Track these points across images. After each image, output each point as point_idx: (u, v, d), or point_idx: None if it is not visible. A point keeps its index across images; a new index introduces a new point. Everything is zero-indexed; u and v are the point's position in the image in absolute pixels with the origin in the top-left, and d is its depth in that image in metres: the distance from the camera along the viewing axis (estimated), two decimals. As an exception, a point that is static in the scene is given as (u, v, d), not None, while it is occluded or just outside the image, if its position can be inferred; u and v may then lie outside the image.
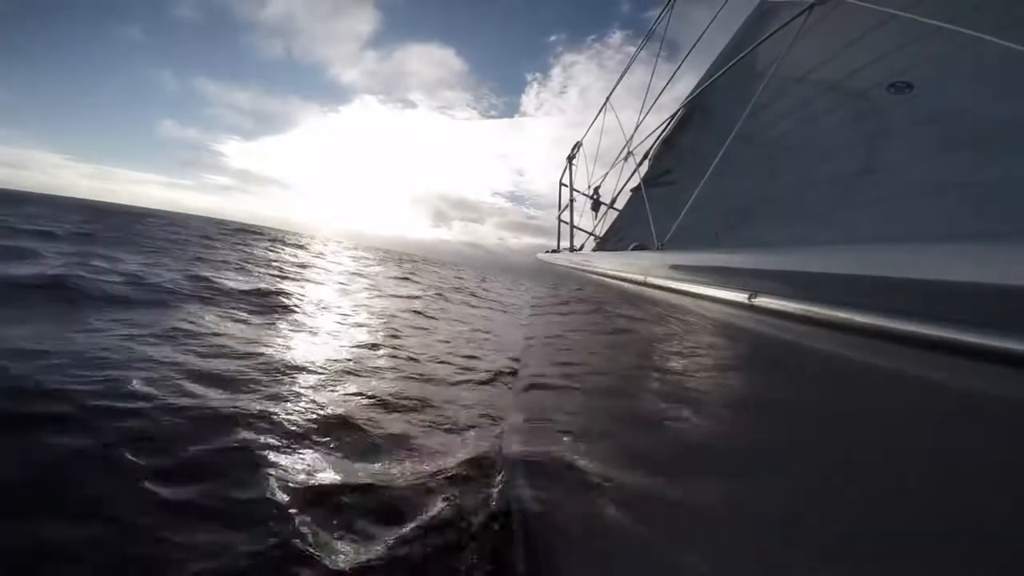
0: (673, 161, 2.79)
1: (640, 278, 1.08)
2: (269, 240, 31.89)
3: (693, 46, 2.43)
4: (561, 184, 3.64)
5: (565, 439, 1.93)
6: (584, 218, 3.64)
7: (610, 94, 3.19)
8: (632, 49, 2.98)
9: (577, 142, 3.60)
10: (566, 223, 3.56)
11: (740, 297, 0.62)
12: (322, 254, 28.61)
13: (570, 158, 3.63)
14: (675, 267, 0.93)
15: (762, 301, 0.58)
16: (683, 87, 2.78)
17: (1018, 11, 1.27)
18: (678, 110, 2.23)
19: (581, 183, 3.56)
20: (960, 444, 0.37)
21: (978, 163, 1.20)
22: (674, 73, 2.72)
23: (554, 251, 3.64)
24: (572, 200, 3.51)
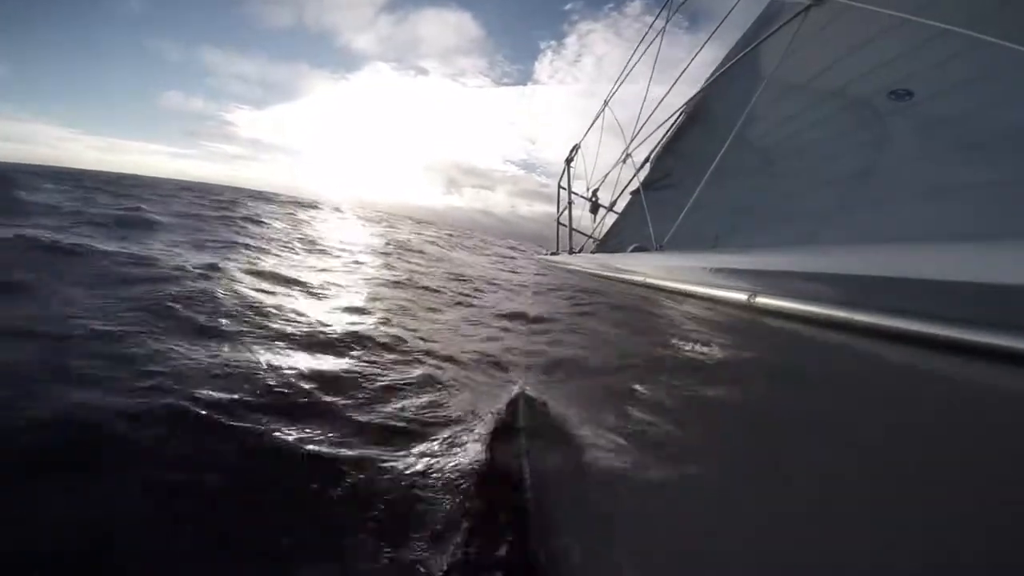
0: (673, 163, 2.80)
1: (640, 279, 1.08)
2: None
3: (699, 51, 2.44)
4: (560, 187, 3.64)
5: (565, 439, 1.93)
6: (584, 220, 3.64)
7: (609, 96, 3.20)
8: (650, 19, 2.98)
9: (575, 145, 3.61)
10: (565, 226, 3.56)
11: (740, 297, 0.62)
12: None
13: (568, 161, 3.64)
14: (675, 268, 0.93)
15: (762, 301, 0.58)
16: (685, 88, 2.79)
17: (1017, 17, 1.28)
18: (678, 112, 2.24)
19: (580, 186, 3.57)
20: (961, 443, 0.37)
21: (978, 168, 1.21)
22: (678, 77, 2.73)
23: (553, 253, 3.64)
24: (571, 203, 3.51)
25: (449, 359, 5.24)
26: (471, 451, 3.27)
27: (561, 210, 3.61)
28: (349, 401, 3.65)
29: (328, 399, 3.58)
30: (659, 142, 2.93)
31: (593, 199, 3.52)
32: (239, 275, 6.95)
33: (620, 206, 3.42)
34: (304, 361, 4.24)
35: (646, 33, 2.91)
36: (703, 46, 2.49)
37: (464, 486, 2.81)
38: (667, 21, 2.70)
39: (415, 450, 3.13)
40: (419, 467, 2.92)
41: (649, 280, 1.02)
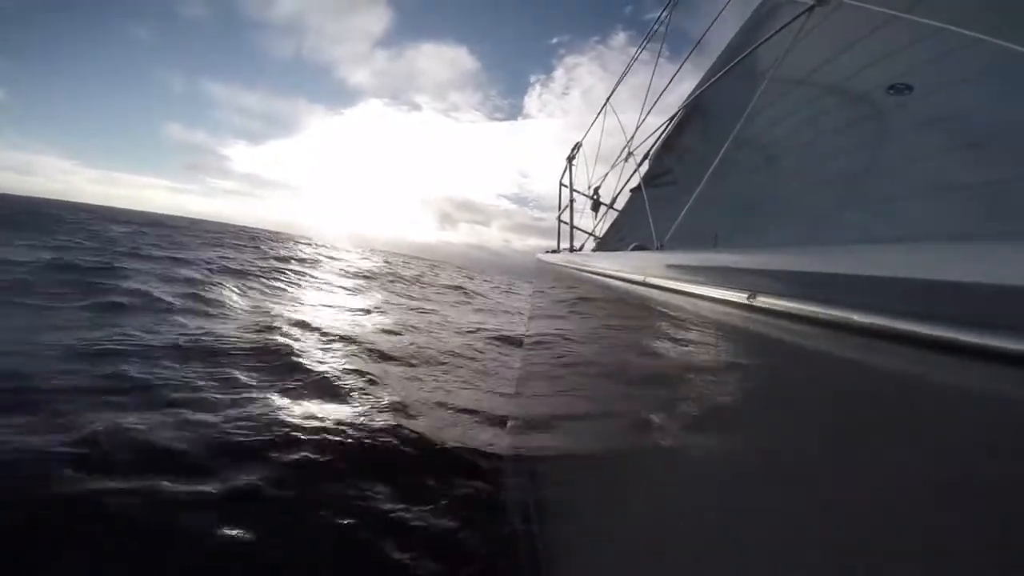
0: (673, 161, 2.79)
1: (640, 278, 1.08)
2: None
3: (694, 47, 2.43)
4: (561, 184, 3.63)
5: (563, 439, 1.93)
6: (584, 218, 3.64)
7: (610, 95, 3.19)
8: (635, 51, 2.98)
9: (577, 142, 3.60)
10: (566, 223, 3.56)
11: (740, 297, 0.62)
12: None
13: (570, 158, 3.63)
14: (675, 267, 0.93)
15: (762, 301, 0.58)
16: (685, 87, 2.78)
17: (1017, 13, 1.27)
18: (678, 111, 2.23)
19: (581, 183, 3.56)
20: (960, 444, 0.37)
21: (978, 164, 1.20)
22: (675, 73, 2.72)
23: (554, 251, 3.64)
24: (572, 200, 3.50)
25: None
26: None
27: (562, 208, 3.60)
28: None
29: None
30: (659, 139, 2.92)
31: (594, 197, 3.52)
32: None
33: (621, 204, 3.42)
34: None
35: (649, 31, 2.90)
36: (700, 39, 2.48)
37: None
38: (670, 14, 2.69)
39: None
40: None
41: (649, 279, 1.02)
